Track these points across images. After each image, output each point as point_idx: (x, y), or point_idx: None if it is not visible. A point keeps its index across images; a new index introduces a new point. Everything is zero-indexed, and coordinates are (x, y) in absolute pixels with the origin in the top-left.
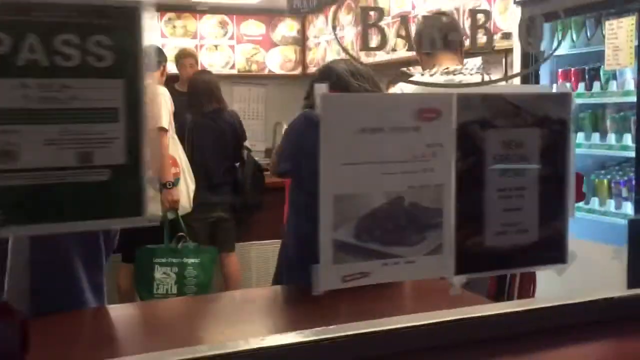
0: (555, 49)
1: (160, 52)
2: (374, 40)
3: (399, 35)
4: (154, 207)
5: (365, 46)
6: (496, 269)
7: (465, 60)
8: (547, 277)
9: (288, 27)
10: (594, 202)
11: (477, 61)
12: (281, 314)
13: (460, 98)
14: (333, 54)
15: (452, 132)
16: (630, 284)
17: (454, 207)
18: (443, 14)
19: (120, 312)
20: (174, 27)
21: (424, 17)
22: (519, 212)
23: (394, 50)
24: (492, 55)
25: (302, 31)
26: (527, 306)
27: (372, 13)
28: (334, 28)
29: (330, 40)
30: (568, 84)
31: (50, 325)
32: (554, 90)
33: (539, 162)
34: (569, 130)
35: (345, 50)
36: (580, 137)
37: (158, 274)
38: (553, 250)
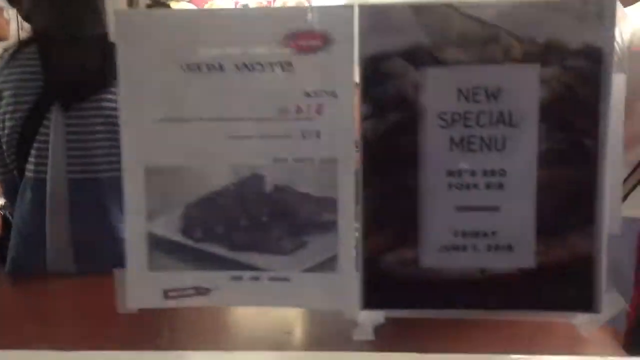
0: None
1: None
2: None
3: None
4: None
5: None
6: (443, 307)
7: None
8: None
9: None
10: None
11: None
12: None
13: (366, 11)
14: None
15: (351, 72)
16: None
17: (361, 197)
18: None
19: None
20: None
21: None
22: (492, 215)
23: None
24: None
25: None
26: None
27: None
28: None
29: None
30: None
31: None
32: None
33: (540, 128)
34: (607, 71)
35: None
36: None
37: None
38: (568, 287)
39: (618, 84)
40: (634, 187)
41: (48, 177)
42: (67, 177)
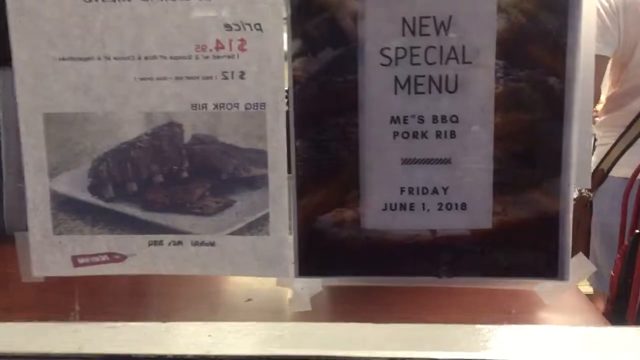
0: None
1: None
2: None
3: None
4: None
5: None
6: (388, 274)
7: None
8: None
9: None
10: None
11: None
12: None
13: None
14: None
15: (279, 1)
16: None
17: (294, 149)
18: None
19: None
20: None
21: None
22: (443, 168)
23: None
24: None
25: None
26: None
27: None
28: None
29: None
30: None
31: None
32: None
33: (497, 65)
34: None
35: None
36: None
37: None
38: (531, 251)
39: (588, 12)
40: (628, 145)
41: (2, 138)
42: None
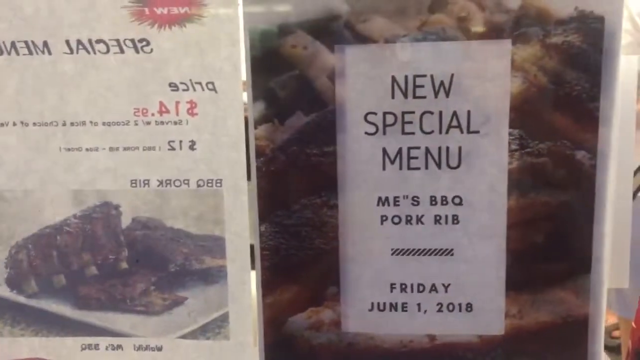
0: None
1: None
2: None
3: None
4: None
5: None
6: None
7: None
8: None
9: None
10: None
11: None
12: None
13: None
14: None
15: (236, 53)
16: None
17: (257, 236)
18: None
19: None
20: None
21: None
22: (443, 261)
23: None
24: None
25: None
26: None
27: None
28: None
29: None
30: None
31: None
32: None
33: (512, 136)
34: (612, 52)
35: None
36: None
37: None
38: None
39: (629, 70)
40: None
41: None
42: None
